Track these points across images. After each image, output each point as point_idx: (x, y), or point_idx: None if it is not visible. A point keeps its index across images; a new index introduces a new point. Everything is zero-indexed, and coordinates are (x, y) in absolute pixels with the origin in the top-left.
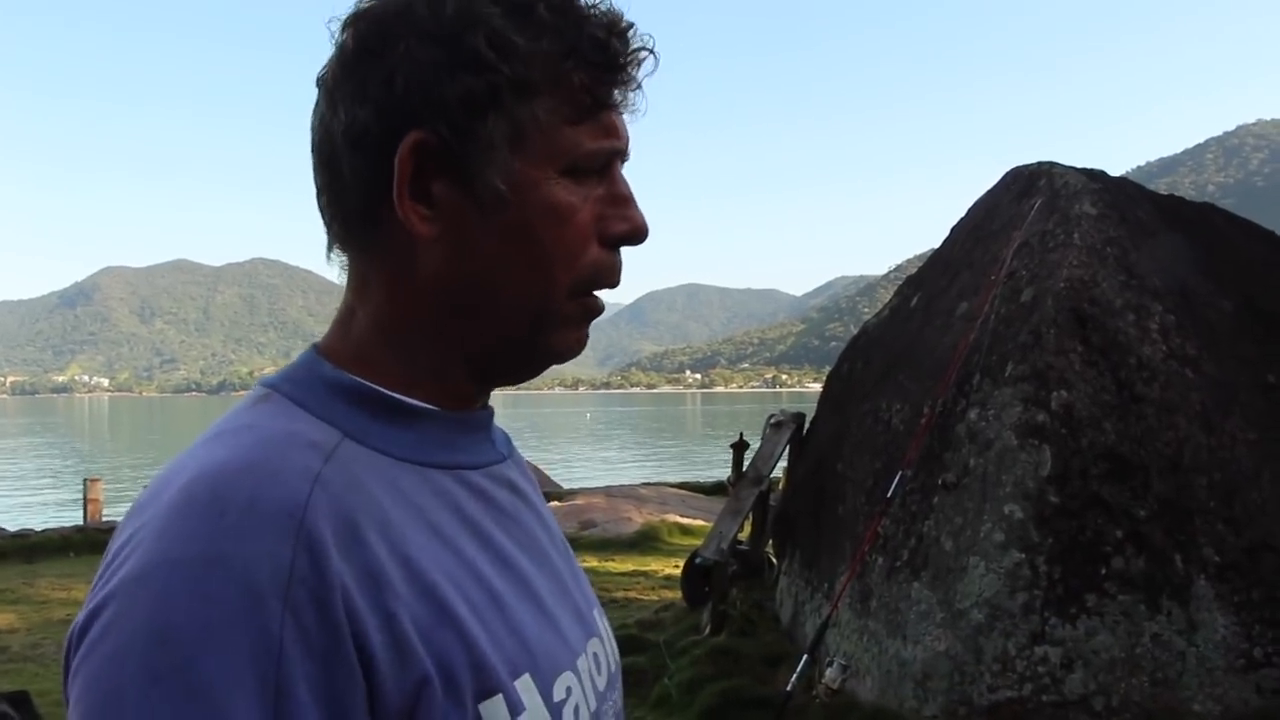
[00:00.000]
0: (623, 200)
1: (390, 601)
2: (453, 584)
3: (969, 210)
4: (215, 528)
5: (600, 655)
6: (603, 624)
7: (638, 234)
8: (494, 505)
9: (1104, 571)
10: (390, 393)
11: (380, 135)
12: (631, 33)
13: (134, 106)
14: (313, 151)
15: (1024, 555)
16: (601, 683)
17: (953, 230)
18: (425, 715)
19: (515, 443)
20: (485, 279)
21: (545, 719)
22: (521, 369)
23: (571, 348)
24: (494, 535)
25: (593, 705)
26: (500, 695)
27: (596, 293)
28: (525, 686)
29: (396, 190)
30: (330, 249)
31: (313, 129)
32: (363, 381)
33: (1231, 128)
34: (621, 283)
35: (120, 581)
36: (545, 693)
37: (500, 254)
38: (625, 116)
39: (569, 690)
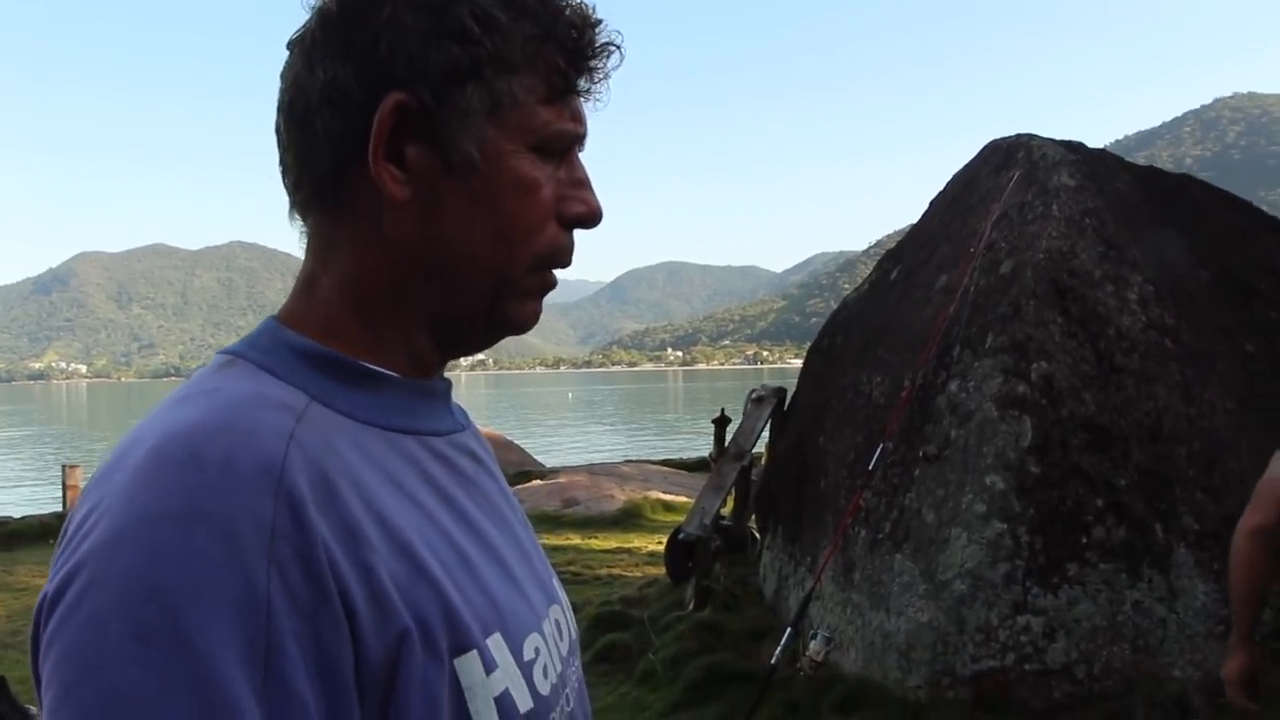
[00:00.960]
0: (581, 183)
1: (368, 556)
2: (424, 543)
3: (948, 183)
4: (193, 485)
5: (561, 622)
6: (562, 593)
7: (593, 216)
8: (458, 471)
9: (1085, 541)
10: (354, 358)
11: (360, 95)
12: (601, 27)
13: (109, 91)
14: (281, 111)
15: (1005, 525)
16: (564, 648)
17: (931, 204)
18: (405, 669)
19: (497, 421)
20: (451, 244)
21: (517, 677)
22: (480, 338)
23: (528, 319)
24: (459, 499)
25: (558, 668)
26: (475, 652)
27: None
28: (497, 645)
29: (373, 149)
30: (292, 213)
31: (282, 89)
32: (326, 347)
33: (1209, 100)
34: (601, 261)
35: (93, 545)
36: (516, 652)
37: (467, 220)
38: (588, 106)
39: (537, 651)
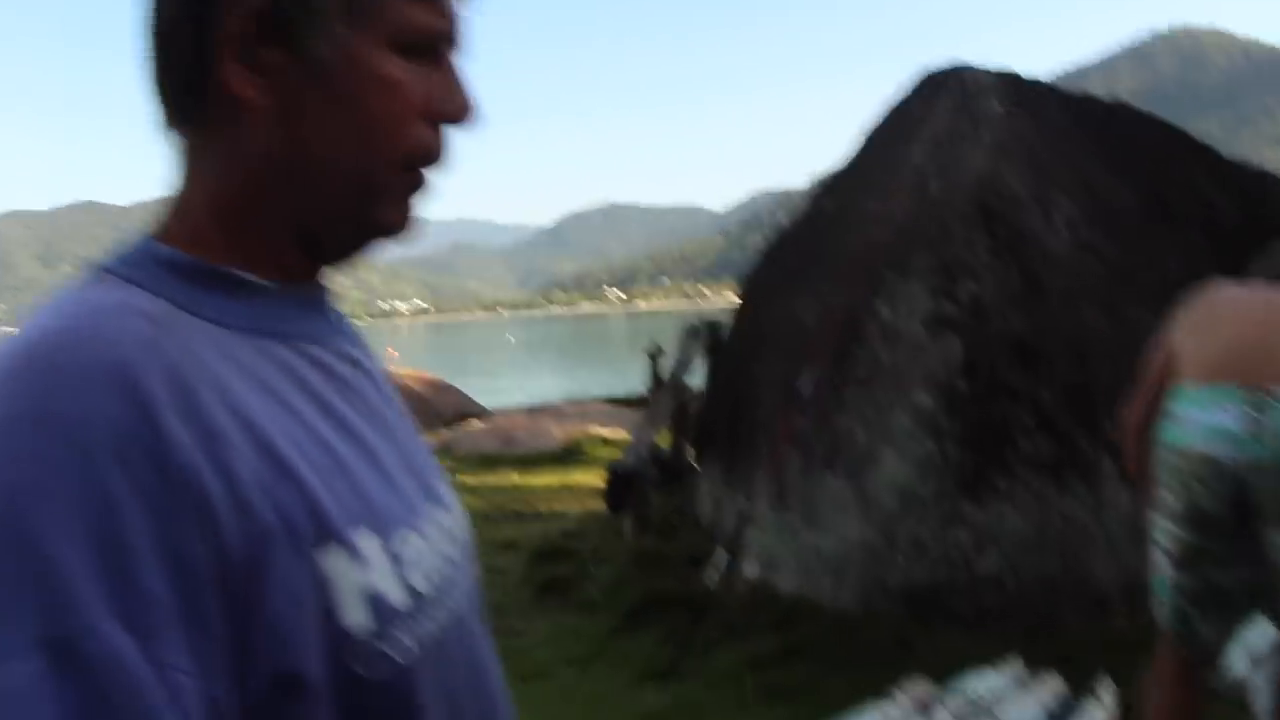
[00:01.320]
0: (452, 81)
1: (229, 457)
2: (293, 444)
3: (881, 114)
4: (42, 388)
5: (449, 525)
6: (452, 498)
7: (464, 113)
8: (335, 377)
9: (1013, 455)
10: (223, 267)
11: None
12: None
13: (31, 42)
14: (141, 27)
15: (934, 443)
16: (453, 551)
17: (866, 135)
18: (268, 567)
19: (439, 366)
20: (312, 148)
21: (386, 568)
22: (351, 243)
23: (398, 223)
24: (335, 404)
25: (443, 570)
26: (338, 544)
27: (424, 170)
28: (365, 539)
29: (225, 53)
30: (161, 130)
31: (144, 5)
32: (194, 257)
33: (1145, 35)
34: (539, 204)
35: None
36: (388, 547)
37: (327, 123)
38: (464, 8)
39: (417, 550)
